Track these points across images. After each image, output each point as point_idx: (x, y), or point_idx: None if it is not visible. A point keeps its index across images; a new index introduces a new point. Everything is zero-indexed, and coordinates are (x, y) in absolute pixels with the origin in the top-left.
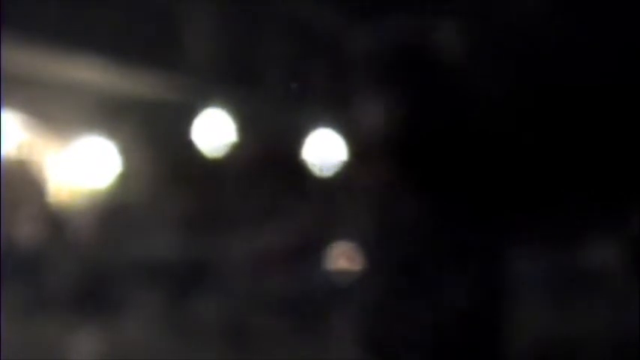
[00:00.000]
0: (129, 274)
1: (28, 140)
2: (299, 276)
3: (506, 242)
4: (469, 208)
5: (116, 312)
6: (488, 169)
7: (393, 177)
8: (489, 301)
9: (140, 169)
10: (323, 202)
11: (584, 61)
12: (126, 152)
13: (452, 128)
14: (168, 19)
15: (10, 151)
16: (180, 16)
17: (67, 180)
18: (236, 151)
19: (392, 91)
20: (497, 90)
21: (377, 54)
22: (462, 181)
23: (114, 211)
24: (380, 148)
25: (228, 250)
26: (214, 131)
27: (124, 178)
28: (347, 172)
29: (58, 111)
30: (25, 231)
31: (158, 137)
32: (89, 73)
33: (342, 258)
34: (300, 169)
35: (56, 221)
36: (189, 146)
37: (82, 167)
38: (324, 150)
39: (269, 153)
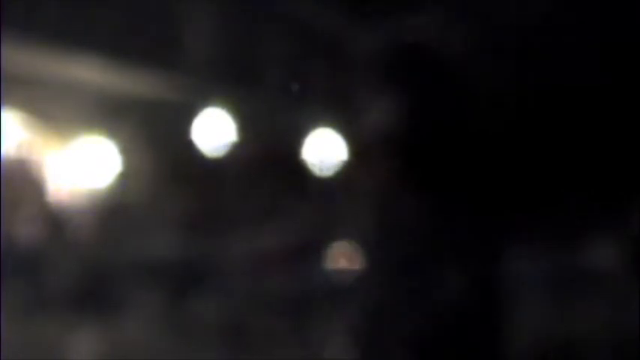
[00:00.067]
0: (129, 274)
1: (28, 139)
2: (299, 276)
3: (506, 242)
4: (469, 208)
5: (116, 312)
6: (488, 169)
7: (393, 177)
8: (489, 301)
9: (140, 169)
10: (323, 202)
11: (585, 61)
12: (126, 152)
13: (452, 128)
14: (168, 19)
15: (10, 150)
16: (180, 16)
17: (67, 180)
18: (236, 151)
19: (392, 91)
20: (497, 90)
21: (377, 54)
22: (461, 181)
23: (114, 211)
24: (380, 148)
25: (228, 250)
26: (214, 131)
27: (124, 178)
28: (347, 172)
29: (58, 111)
30: (25, 231)
31: (158, 137)
32: (89, 73)
33: (342, 258)
34: (300, 169)
35: (56, 221)
36: (189, 146)
37: (82, 167)
38: (324, 150)
39: (269, 153)
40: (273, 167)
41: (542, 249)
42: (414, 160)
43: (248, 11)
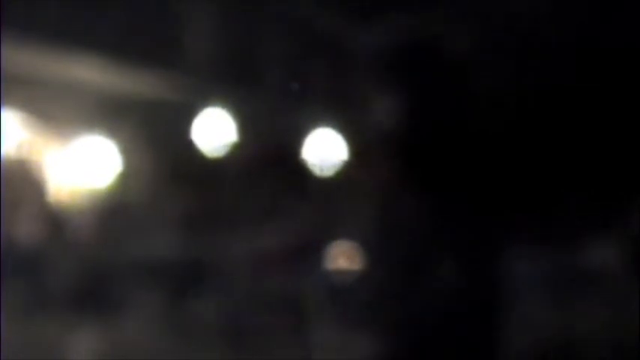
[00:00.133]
0: (129, 274)
1: (28, 139)
2: (299, 276)
3: (506, 242)
4: (469, 207)
5: (116, 312)
6: (488, 169)
7: (393, 177)
8: (489, 300)
9: (140, 169)
10: (323, 202)
11: (585, 61)
12: (126, 152)
13: (452, 128)
14: (168, 19)
15: (10, 150)
16: (180, 16)
17: (67, 179)
18: (236, 151)
19: (392, 91)
20: (497, 90)
21: (377, 54)
22: (462, 181)
23: (114, 211)
24: (380, 147)
25: (228, 250)
26: (214, 131)
27: (124, 178)
28: (347, 172)
29: (58, 110)
30: (25, 231)
31: (158, 137)
32: (89, 73)
33: (342, 258)
34: (300, 169)
35: (56, 221)
36: (189, 146)
37: (82, 167)
38: (324, 150)
39: (269, 153)
40: (273, 167)
41: (542, 249)
42: (414, 160)
43: (248, 11)
